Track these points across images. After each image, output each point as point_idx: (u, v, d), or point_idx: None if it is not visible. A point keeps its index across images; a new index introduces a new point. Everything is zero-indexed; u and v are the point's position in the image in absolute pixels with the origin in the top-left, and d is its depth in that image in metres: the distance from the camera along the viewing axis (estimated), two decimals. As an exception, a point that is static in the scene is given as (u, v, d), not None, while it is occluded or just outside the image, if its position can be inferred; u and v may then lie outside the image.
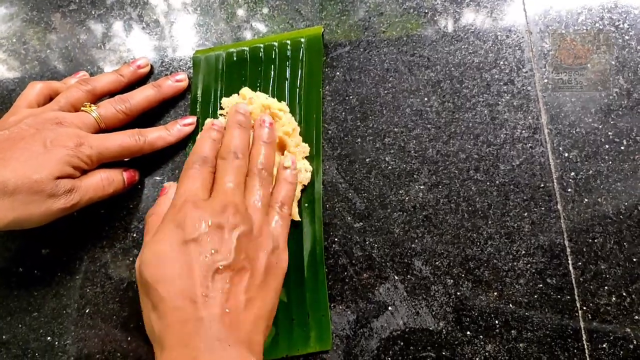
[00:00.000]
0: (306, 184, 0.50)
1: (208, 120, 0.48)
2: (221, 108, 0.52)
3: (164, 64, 0.57)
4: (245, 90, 0.51)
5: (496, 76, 0.51)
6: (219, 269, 0.37)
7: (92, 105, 0.49)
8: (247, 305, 0.38)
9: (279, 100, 0.51)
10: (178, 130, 0.52)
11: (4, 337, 0.50)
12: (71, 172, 0.44)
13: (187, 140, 0.53)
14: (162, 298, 0.36)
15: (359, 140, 0.51)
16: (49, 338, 0.49)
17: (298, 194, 0.49)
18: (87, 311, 0.50)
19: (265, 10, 0.57)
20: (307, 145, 0.50)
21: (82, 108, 0.48)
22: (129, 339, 0.49)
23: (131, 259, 0.50)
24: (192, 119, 0.53)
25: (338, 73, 0.53)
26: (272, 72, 0.53)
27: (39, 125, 0.45)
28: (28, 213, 0.42)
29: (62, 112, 0.47)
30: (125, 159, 0.51)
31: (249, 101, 0.50)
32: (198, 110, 0.53)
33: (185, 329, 0.35)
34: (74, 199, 0.44)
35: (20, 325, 0.50)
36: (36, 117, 0.45)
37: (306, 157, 0.50)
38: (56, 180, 0.43)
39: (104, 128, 0.49)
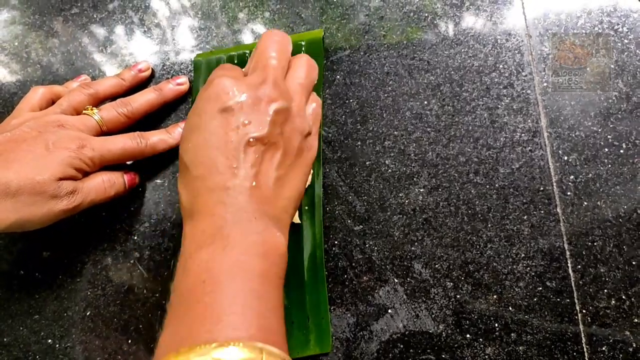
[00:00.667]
0: (306, 186, 0.50)
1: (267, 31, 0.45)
2: None
3: (165, 67, 0.57)
4: None
5: (496, 79, 0.51)
6: (251, 141, 0.36)
7: (94, 108, 0.49)
8: (276, 182, 0.37)
9: None
10: (179, 133, 0.52)
11: (5, 339, 0.50)
12: (73, 173, 0.44)
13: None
14: (187, 168, 0.36)
15: (359, 143, 0.52)
16: (49, 341, 0.49)
17: None
18: (88, 314, 0.50)
19: (266, 14, 0.57)
20: None
21: (84, 111, 0.48)
22: (130, 341, 0.49)
23: (132, 261, 0.51)
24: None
25: (338, 76, 0.54)
26: None
27: (41, 127, 0.45)
28: (30, 214, 0.42)
29: (64, 115, 0.47)
30: (127, 162, 0.51)
31: None
32: None
33: (211, 198, 0.35)
34: (76, 201, 0.45)
35: (21, 328, 0.50)
36: (38, 119, 0.45)
37: None
38: (58, 182, 0.43)
39: (106, 131, 0.49)
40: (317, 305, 0.47)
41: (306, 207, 0.50)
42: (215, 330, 0.30)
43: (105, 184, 0.47)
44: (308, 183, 0.50)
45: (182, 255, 0.36)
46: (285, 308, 0.47)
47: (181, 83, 0.54)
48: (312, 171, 0.50)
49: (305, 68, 0.43)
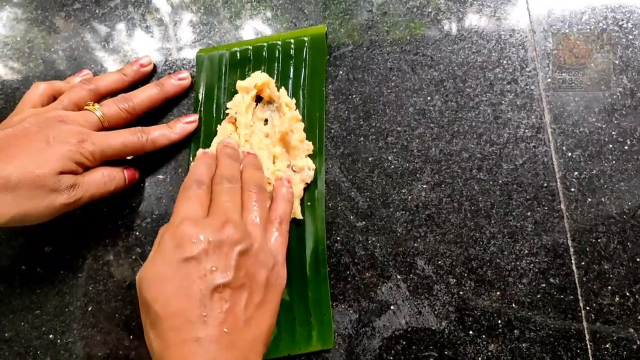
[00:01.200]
0: (309, 182, 0.50)
1: (200, 151, 0.48)
2: (226, 110, 0.52)
3: (167, 63, 0.57)
4: (257, 78, 0.51)
5: (499, 75, 0.51)
6: (218, 288, 0.36)
7: (95, 104, 0.49)
8: (245, 324, 0.37)
9: None
10: (181, 128, 0.52)
11: (6, 334, 0.50)
12: (74, 167, 0.44)
13: (190, 139, 0.53)
14: (159, 317, 0.36)
15: (361, 139, 0.51)
16: (51, 336, 0.49)
17: (301, 192, 0.49)
18: (89, 309, 0.50)
19: (268, 10, 0.57)
20: (310, 142, 0.50)
21: (85, 107, 0.48)
22: (131, 337, 0.49)
23: (134, 257, 0.50)
24: (195, 117, 0.53)
25: (341, 72, 0.53)
26: (275, 71, 0.53)
27: (42, 123, 0.45)
28: (31, 208, 0.42)
29: (65, 111, 0.47)
30: (128, 157, 0.51)
31: (261, 87, 0.51)
32: (201, 109, 0.53)
33: (183, 349, 0.35)
34: (77, 195, 0.44)
35: (22, 323, 0.50)
36: (39, 115, 0.45)
37: (309, 155, 0.50)
38: (58, 176, 0.43)
39: (107, 127, 0.49)
40: (319, 301, 0.47)
41: (308, 203, 0.49)
42: None
43: (105, 179, 0.47)
44: (311, 179, 0.50)
45: None
46: (288, 304, 0.47)
47: (183, 78, 0.53)
48: (314, 167, 0.50)
49: (258, 204, 0.43)
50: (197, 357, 0.34)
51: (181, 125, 0.52)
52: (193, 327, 0.35)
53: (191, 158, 0.52)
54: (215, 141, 0.51)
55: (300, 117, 0.51)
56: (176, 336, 0.35)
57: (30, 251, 0.51)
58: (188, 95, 0.55)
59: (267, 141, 0.50)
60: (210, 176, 0.44)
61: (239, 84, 0.51)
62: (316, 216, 0.49)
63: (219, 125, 0.52)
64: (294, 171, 0.49)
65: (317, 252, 0.48)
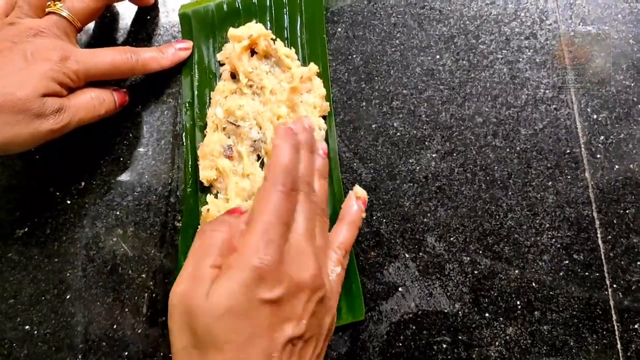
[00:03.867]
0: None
1: (281, 124, 0.40)
2: (221, 64, 0.49)
3: (146, 23, 0.51)
4: (252, 29, 0.48)
5: (516, 30, 0.47)
6: (293, 340, 0.34)
7: (57, 2, 0.44)
8: None
9: None
10: (173, 54, 0.48)
11: (-22, 326, 0.46)
12: (57, 89, 0.41)
13: (181, 66, 0.49)
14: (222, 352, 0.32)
15: (364, 104, 0.48)
16: (27, 327, 0.46)
17: None
18: (67, 297, 0.46)
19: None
20: (327, 103, 0.47)
21: (47, 9, 0.44)
22: (115, 326, 0.45)
23: (114, 239, 0.46)
24: (188, 44, 0.49)
25: (340, 29, 0.49)
26: (269, 22, 0.49)
27: (15, 38, 0.41)
28: (14, 135, 0.40)
29: (36, 20, 0.43)
30: (114, 79, 0.48)
31: (255, 38, 0.47)
32: (193, 74, 0.49)
33: None
34: (64, 120, 0.42)
35: (-5, 314, 0.46)
36: (8, 29, 0.42)
37: None
38: (43, 98, 0.40)
39: (81, 27, 0.45)
40: (346, 270, 0.44)
41: None
42: None
43: (94, 101, 0.44)
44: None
45: None
46: None
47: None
48: (326, 127, 0.46)
49: (321, 234, 0.39)
50: None
51: (173, 50, 0.49)
52: None
53: (185, 140, 0.48)
54: (212, 111, 0.47)
55: (317, 69, 0.47)
56: None
57: (1, 235, 0.47)
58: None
59: (272, 97, 0.46)
60: (294, 208, 0.37)
61: (231, 31, 0.48)
62: (332, 178, 0.46)
63: (215, 87, 0.48)
64: None
65: (337, 215, 0.45)
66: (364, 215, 0.42)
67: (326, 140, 0.46)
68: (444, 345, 0.43)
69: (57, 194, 0.48)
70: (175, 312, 0.34)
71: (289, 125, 0.39)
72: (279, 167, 0.36)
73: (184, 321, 0.33)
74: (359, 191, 0.43)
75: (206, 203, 0.45)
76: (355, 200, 0.43)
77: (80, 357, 0.45)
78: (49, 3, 0.44)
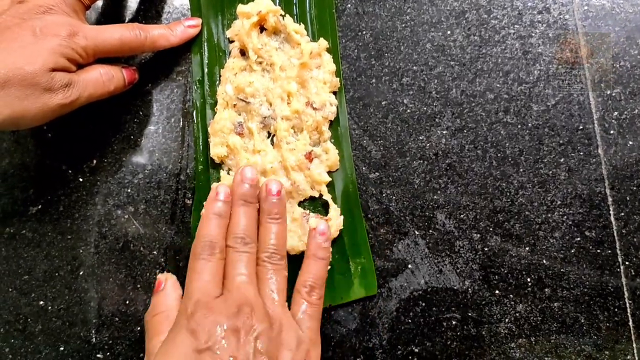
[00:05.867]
0: (332, 119, 0.47)
1: (213, 187, 0.43)
2: (230, 41, 0.49)
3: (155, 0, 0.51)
4: (261, 5, 0.47)
5: (529, 4, 0.47)
6: None
7: None
8: None
9: None
10: (182, 32, 0.48)
11: (-7, 302, 0.47)
12: (66, 64, 0.41)
13: (190, 44, 0.49)
14: None
15: (373, 80, 0.47)
16: (41, 302, 0.46)
17: (326, 131, 0.46)
18: (81, 273, 0.46)
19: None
20: (337, 78, 0.47)
21: None
22: (127, 302, 0.46)
23: (126, 216, 0.47)
24: (197, 21, 0.49)
25: (349, 5, 0.49)
26: None
27: (24, 14, 0.41)
28: (23, 109, 0.40)
29: None
30: (124, 56, 0.48)
31: (264, 15, 0.46)
32: (204, 50, 0.48)
33: None
34: (73, 95, 0.42)
35: (10, 289, 0.47)
36: (18, 7, 0.42)
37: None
38: (51, 73, 0.40)
39: (89, 4, 0.45)
40: (357, 245, 0.45)
41: (332, 141, 0.46)
42: None
43: (103, 77, 0.44)
44: (334, 116, 0.46)
45: None
46: None
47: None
48: (337, 102, 0.46)
49: (275, 275, 0.40)
50: None
51: (182, 28, 0.48)
52: None
53: (195, 117, 0.48)
54: (223, 88, 0.47)
55: (327, 44, 0.47)
56: None
57: (15, 212, 0.48)
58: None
59: (282, 74, 0.46)
60: (224, 229, 0.41)
61: (240, 8, 0.48)
62: (343, 154, 0.46)
63: (225, 64, 0.48)
64: (314, 108, 0.46)
65: (348, 192, 0.46)
66: (326, 245, 0.42)
67: (337, 116, 0.46)
68: (454, 322, 0.43)
69: (70, 171, 0.48)
70: None
71: (217, 190, 0.42)
72: (197, 239, 0.40)
73: None
74: (312, 222, 0.43)
75: (217, 180, 0.46)
76: (312, 232, 0.42)
77: (93, 331, 0.46)
78: None
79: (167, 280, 0.42)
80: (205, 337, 0.35)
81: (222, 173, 0.46)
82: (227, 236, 0.41)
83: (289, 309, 0.40)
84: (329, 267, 0.42)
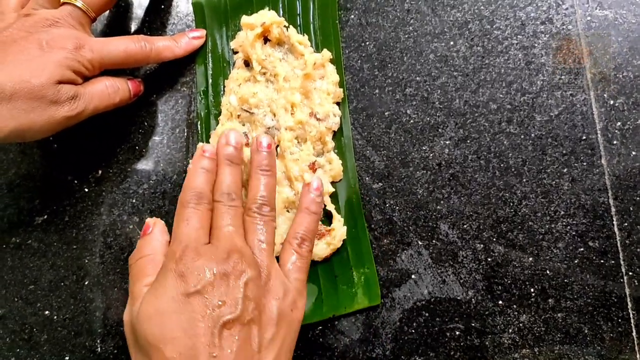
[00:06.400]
0: (336, 129, 0.47)
1: (199, 146, 0.44)
2: (234, 52, 0.49)
3: (160, 12, 0.52)
4: (265, 16, 0.47)
5: (532, 14, 0.47)
6: (227, 324, 0.35)
7: None
8: None
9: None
10: (186, 43, 0.49)
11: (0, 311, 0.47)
12: (72, 77, 0.42)
13: (195, 55, 0.49)
14: (165, 359, 0.34)
15: (377, 91, 0.47)
16: (47, 312, 0.47)
17: (330, 141, 0.46)
18: (86, 283, 0.47)
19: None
20: (341, 89, 0.47)
21: (62, 0, 0.44)
22: (132, 312, 0.46)
23: (131, 226, 0.47)
24: (201, 32, 0.50)
25: (353, 16, 0.49)
26: (281, 10, 0.49)
27: (31, 28, 0.42)
28: (30, 121, 0.40)
29: (51, 11, 0.44)
30: (129, 68, 0.49)
31: (268, 26, 0.47)
32: (208, 61, 0.49)
33: None
34: (79, 107, 0.42)
35: (16, 299, 0.47)
36: (25, 20, 0.43)
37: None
38: (57, 86, 0.41)
39: (95, 17, 0.46)
40: (360, 255, 0.45)
41: (336, 151, 0.47)
42: None
43: (109, 89, 0.45)
44: (337, 127, 0.46)
45: None
46: (325, 261, 0.45)
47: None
48: (340, 113, 0.47)
49: (264, 226, 0.40)
50: None
51: (187, 39, 0.49)
52: None
53: (200, 128, 0.48)
54: (227, 99, 0.47)
55: (330, 55, 0.47)
56: None
57: (21, 222, 0.48)
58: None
59: (286, 85, 0.47)
60: (210, 183, 0.41)
61: (244, 19, 0.48)
62: (346, 165, 0.46)
63: (229, 75, 0.48)
64: (317, 119, 0.46)
65: (351, 202, 0.46)
66: (318, 200, 0.42)
67: (340, 127, 0.46)
68: (457, 332, 0.43)
69: (75, 182, 0.48)
70: (126, 335, 0.38)
71: (203, 148, 0.42)
72: (184, 190, 0.40)
73: (130, 338, 0.37)
74: (307, 177, 0.43)
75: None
76: (306, 187, 0.43)
77: (99, 341, 0.46)
78: None
79: (155, 225, 0.42)
80: (194, 281, 0.35)
81: None
82: (214, 193, 0.41)
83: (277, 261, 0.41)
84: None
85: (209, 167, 0.41)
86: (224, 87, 0.48)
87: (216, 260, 0.36)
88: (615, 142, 0.44)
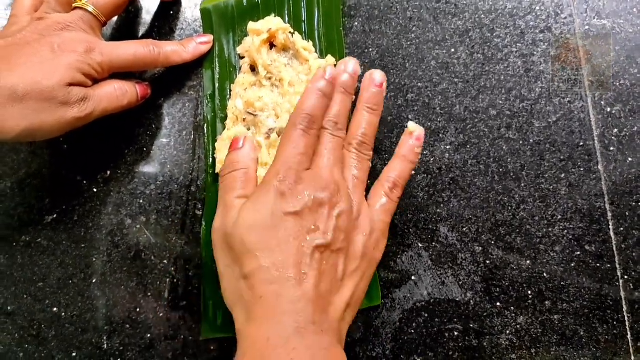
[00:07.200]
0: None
1: (319, 70, 0.42)
2: (241, 58, 0.50)
3: (169, 17, 0.53)
4: (271, 22, 0.48)
5: (531, 23, 0.47)
6: (318, 247, 0.36)
7: None
8: (339, 290, 0.37)
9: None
10: (194, 48, 0.49)
11: (9, 308, 0.48)
12: (82, 79, 0.43)
13: (202, 59, 0.50)
14: (260, 267, 0.35)
15: (379, 96, 0.47)
16: (55, 309, 0.48)
17: None
18: (93, 281, 0.47)
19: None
20: None
21: (74, 4, 0.45)
22: (138, 310, 0.47)
23: (138, 225, 0.48)
24: (209, 38, 0.50)
25: (356, 23, 0.50)
26: (287, 16, 0.50)
27: (43, 31, 0.43)
28: (40, 122, 0.41)
29: (63, 15, 0.45)
30: (138, 71, 0.50)
31: (274, 32, 0.47)
32: (214, 67, 0.50)
33: (278, 304, 0.34)
34: (88, 109, 0.43)
35: (25, 296, 0.48)
36: (38, 23, 0.43)
37: None
38: (68, 87, 0.42)
39: (105, 21, 0.47)
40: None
41: None
42: None
43: (118, 92, 0.45)
44: None
45: (242, 358, 0.35)
46: None
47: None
48: None
49: (359, 163, 0.41)
50: (293, 315, 0.34)
51: (195, 44, 0.50)
52: (292, 283, 0.35)
53: (206, 131, 0.49)
54: (233, 103, 0.48)
55: (334, 61, 0.48)
56: (272, 290, 0.35)
57: (31, 221, 0.49)
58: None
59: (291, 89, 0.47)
60: (323, 111, 0.41)
61: (251, 25, 0.49)
62: None
63: (235, 80, 0.49)
64: None
65: None
66: (418, 150, 0.42)
67: None
68: (456, 333, 0.44)
69: (84, 182, 0.49)
70: (216, 242, 0.39)
71: (322, 70, 0.42)
72: (298, 110, 0.40)
73: (223, 245, 0.38)
74: (411, 127, 0.42)
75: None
76: (408, 136, 0.42)
77: (105, 338, 0.47)
78: None
79: (246, 140, 0.43)
80: (293, 202, 0.37)
81: None
82: (324, 118, 0.41)
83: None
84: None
85: (326, 91, 0.41)
86: (231, 91, 0.49)
87: (315, 187, 0.37)
88: (612, 148, 0.44)
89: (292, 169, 0.38)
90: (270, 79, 0.48)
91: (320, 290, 0.35)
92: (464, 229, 0.45)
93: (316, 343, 0.34)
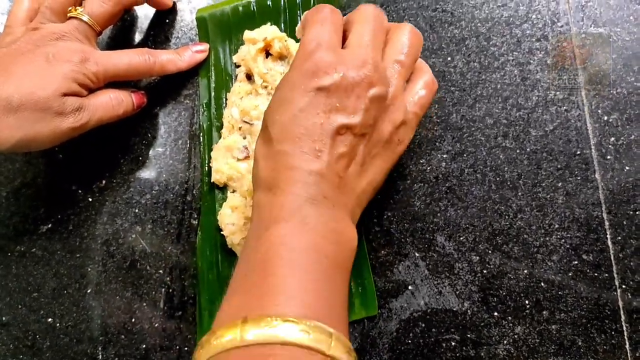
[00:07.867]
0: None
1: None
2: (237, 66, 0.50)
3: (164, 25, 0.53)
4: (267, 31, 0.48)
5: (528, 32, 0.47)
6: (341, 129, 0.35)
7: (78, 7, 0.46)
8: (358, 174, 0.36)
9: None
10: (190, 57, 0.49)
11: (3, 318, 0.48)
12: (77, 89, 0.43)
13: (198, 68, 0.50)
14: (272, 139, 0.35)
15: (375, 105, 0.47)
16: (50, 319, 0.47)
17: None
18: (88, 291, 0.47)
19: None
20: None
21: (68, 14, 0.45)
22: (133, 320, 0.46)
23: (133, 235, 0.48)
24: (205, 46, 0.50)
25: (352, 32, 0.49)
26: (283, 25, 0.50)
27: (38, 41, 0.43)
28: (35, 132, 0.41)
29: (58, 25, 0.45)
30: (133, 80, 0.50)
31: (270, 41, 0.47)
32: (210, 75, 0.50)
33: (293, 176, 0.34)
34: (83, 118, 0.43)
35: (20, 306, 0.48)
36: (33, 34, 0.43)
37: None
38: (63, 98, 0.41)
39: (100, 30, 0.47)
40: (358, 265, 0.45)
41: None
42: (287, 306, 0.31)
43: (113, 101, 0.45)
44: None
45: (258, 224, 0.35)
46: None
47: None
48: None
49: (407, 42, 0.38)
50: (307, 187, 0.34)
51: (190, 53, 0.50)
52: (304, 157, 0.34)
53: (202, 140, 0.49)
54: (229, 111, 0.48)
55: None
56: (286, 161, 0.35)
57: (25, 231, 0.49)
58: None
59: None
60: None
61: (246, 34, 0.49)
62: None
63: (231, 88, 0.49)
64: None
65: None
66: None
67: None
68: (453, 343, 0.44)
69: (79, 191, 0.49)
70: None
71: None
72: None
73: (262, 127, 0.38)
74: None
75: (223, 201, 0.46)
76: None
77: (100, 348, 0.46)
78: (70, 8, 0.45)
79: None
80: (321, 77, 0.35)
81: (228, 194, 0.47)
82: (353, 20, 0.39)
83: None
84: None
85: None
86: (226, 99, 0.49)
87: (348, 65, 0.35)
88: (609, 157, 0.44)
89: (322, 44, 0.36)
90: (266, 87, 0.48)
91: (335, 169, 0.35)
92: (461, 238, 0.45)
93: (328, 215, 0.34)
